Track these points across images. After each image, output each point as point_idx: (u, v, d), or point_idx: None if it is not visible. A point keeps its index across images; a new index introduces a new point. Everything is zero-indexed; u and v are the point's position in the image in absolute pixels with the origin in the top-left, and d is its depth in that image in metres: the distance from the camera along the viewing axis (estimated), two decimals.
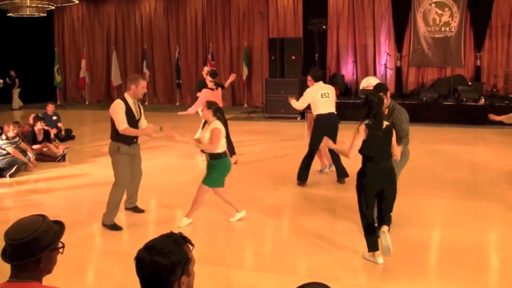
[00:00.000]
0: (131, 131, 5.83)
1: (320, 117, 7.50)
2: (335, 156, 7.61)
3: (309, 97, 7.57)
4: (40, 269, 2.19)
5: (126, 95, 5.88)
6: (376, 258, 4.78)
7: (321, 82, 7.68)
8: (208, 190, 5.87)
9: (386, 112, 5.34)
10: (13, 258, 2.15)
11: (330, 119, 7.50)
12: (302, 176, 7.62)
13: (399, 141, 5.18)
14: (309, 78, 7.65)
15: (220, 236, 5.72)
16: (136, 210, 6.47)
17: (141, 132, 6.01)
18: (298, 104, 7.76)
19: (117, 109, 5.77)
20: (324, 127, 7.36)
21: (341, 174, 7.68)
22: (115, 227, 5.91)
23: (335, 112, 7.66)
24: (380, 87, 5.59)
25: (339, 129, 7.56)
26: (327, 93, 7.55)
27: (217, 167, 5.77)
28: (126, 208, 6.44)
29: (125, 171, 5.94)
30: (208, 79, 9.11)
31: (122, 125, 5.74)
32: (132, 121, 5.86)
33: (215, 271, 4.67)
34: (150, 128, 6.17)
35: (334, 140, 7.13)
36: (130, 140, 5.92)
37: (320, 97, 7.48)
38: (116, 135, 5.84)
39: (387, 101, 5.45)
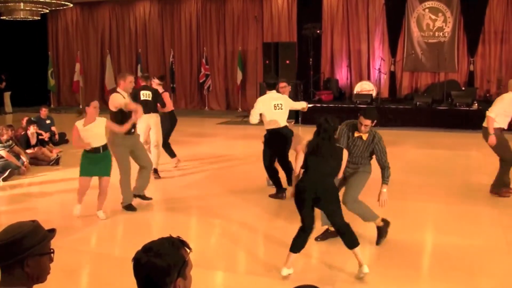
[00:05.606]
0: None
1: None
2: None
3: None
4: (27, 273, 2.12)
5: (119, 89, 6.58)
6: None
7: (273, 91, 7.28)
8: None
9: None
10: None
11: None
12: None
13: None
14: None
15: (213, 240, 5.72)
16: (144, 198, 6.86)
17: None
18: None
19: (117, 98, 6.41)
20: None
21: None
22: (130, 208, 6.53)
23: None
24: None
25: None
26: (280, 104, 7.28)
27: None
28: (135, 195, 6.76)
29: (124, 161, 6.49)
30: (156, 82, 8.86)
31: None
32: (127, 113, 6.38)
33: (208, 274, 4.66)
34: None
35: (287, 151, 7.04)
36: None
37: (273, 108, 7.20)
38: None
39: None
